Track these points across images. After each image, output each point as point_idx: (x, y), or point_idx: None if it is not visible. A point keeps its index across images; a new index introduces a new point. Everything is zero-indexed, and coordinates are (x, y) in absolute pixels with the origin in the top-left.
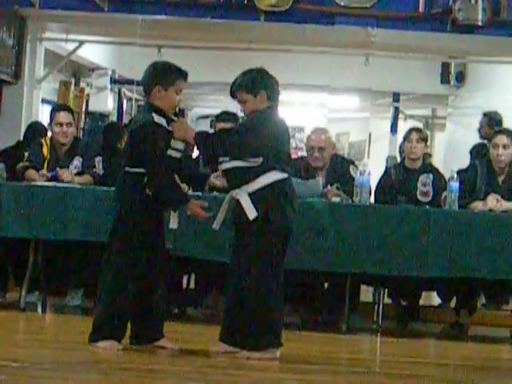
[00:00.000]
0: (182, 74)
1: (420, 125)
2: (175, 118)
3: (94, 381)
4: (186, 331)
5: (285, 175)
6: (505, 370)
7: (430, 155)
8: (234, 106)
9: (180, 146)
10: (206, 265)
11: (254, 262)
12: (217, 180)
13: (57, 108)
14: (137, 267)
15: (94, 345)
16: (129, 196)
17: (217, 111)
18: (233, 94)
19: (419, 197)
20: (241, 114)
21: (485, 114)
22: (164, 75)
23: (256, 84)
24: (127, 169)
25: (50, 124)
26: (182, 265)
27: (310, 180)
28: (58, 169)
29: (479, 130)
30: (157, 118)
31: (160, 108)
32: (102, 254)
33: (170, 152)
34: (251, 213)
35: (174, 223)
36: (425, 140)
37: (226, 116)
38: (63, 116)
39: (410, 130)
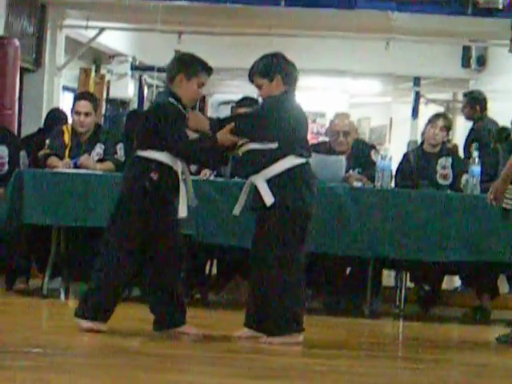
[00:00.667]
0: (207, 69)
1: (441, 109)
2: (190, 111)
3: (116, 366)
4: (208, 317)
5: (302, 160)
6: None
7: (449, 141)
8: (255, 92)
9: (193, 136)
10: (228, 251)
11: (271, 248)
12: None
13: (78, 96)
14: (133, 253)
15: (77, 320)
16: (135, 180)
17: (238, 97)
18: (250, 79)
19: (439, 180)
20: (260, 99)
21: (465, 94)
22: (189, 65)
23: (271, 69)
24: (138, 152)
25: (71, 111)
26: (204, 251)
27: (333, 156)
28: (80, 157)
29: (462, 111)
30: (173, 102)
31: (179, 96)
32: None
33: None
34: (268, 199)
35: (182, 212)
36: (448, 129)
37: (246, 101)
38: (82, 105)
39: (437, 116)
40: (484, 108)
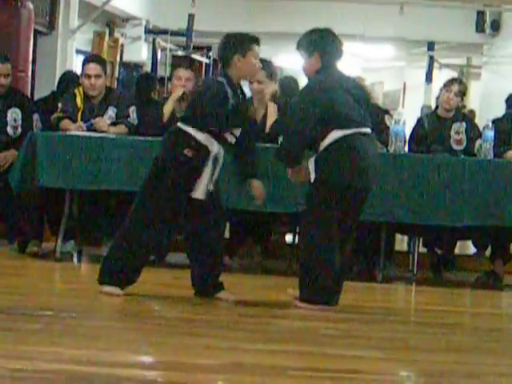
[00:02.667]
0: (256, 40)
1: (455, 74)
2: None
3: (130, 330)
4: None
5: (346, 131)
6: None
7: (464, 106)
8: (267, 55)
9: (237, 132)
10: (241, 215)
11: (306, 219)
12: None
13: (86, 59)
14: (163, 220)
15: (101, 287)
16: (172, 150)
17: None
18: (297, 49)
19: (453, 145)
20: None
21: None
22: (240, 43)
23: (311, 45)
24: (180, 124)
25: (81, 75)
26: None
27: None
28: (92, 120)
29: None
30: (224, 83)
31: (236, 76)
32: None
33: (226, 134)
34: (311, 176)
35: (199, 193)
36: (463, 94)
37: (263, 63)
38: (92, 68)
39: (452, 81)
40: None
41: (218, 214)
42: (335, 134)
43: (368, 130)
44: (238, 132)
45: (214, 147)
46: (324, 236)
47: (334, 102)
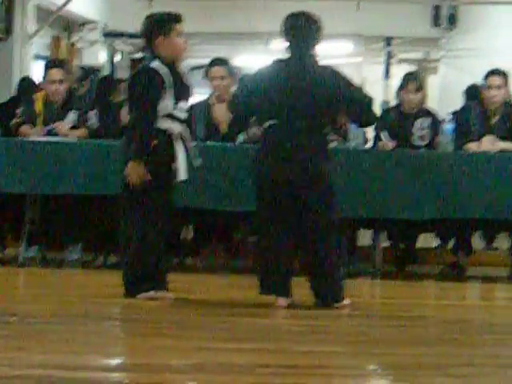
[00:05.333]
0: (177, 18)
1: (413, 68)
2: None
3: (96, 332)
4: (186, 281)
5: (270, 122)
6: (501, 308)
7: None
8: (227, 56)
9: (184, 105)
10: (204, 215)
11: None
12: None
13: (49, 65)
14: (162, 212)
15: (139, 297)
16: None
17: (208, 61)
18: None
19: (417, 141)
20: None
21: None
22: (161, 24)
23: (283, 32)
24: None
25: (43, 80)
26: (180, 215)
27: None
28: (52, 125)
29: None
30: (156, 65)
31: (165, 56)
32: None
33: (174, 111)
34: None
35: (182, 175)
36: (421, 88)
37: (218, 61)
38: (54, 73)
39: (406, 81)
40: None
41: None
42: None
43: (302, 123)
44: (186, 106)
45: (175, 127)
46: (267, 229)
47: (265, 92)
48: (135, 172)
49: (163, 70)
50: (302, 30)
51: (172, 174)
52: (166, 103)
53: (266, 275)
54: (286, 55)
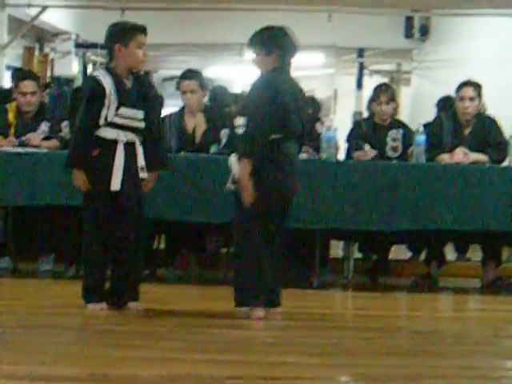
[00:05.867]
0: (140, 29)
1: (385, 80)
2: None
3: (65, 343)
4: (158, 291)
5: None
6: (473, 319)
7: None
8: (199, 66)
9: (132, 113)
10: (175, 225)
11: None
12: None
13: (20, 76)
14: (97, 228)
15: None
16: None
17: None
18: (249, 46)
19: (389, 152)
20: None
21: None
22: (122, 33)
23: (271, 42)
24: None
25: (14, 90)
26: (151, 226)
27: None
28: (23, 137)
29: None
30: (100, 74)
31: (121, 65)
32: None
33: (114, 118)
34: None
35: (114, 185)
36: (393, 99)
37: (190, 73)
38: (27, 85)
39: (378, 92)
40: None
41: (133, 220)
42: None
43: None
44: (133, 113)
45: (121, 136)
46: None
47: (284, 105)
48: (75, 180)
49: (106, 77)
50: (284, 42)
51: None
52: (107, 111)
53: (255, 287)
54: (273, 65)
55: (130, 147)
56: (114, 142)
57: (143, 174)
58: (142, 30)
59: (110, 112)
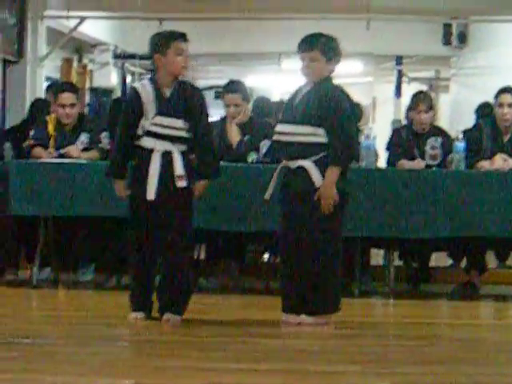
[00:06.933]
0: (177, 36)
1: (424, 87)
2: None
3: (106, 353)
4: (198, 301)
5: None
6: None
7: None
8: (237, 76)
9: (168, 122)
10: (216, 235)
11: (317, 230)
12: None
13: (60, 88)
14: (138, 238)
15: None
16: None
17: (220, 82)
18: (308, 48)
19: (428, 160)
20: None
21: None
22: (159, 42)
23: (334, 51)
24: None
25: (54, 102)
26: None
27: None
28: (62, 150)
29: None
30: (141, 85)
31: (163, 74)
32: None
33: (150, 127)
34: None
35: (149, 194)
36: (432, 108)
37: (233, 86)
38: (66, 97)
39: (417, 101)
40: None
41: (171, 229)
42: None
43: None
44: (169, 122)
45: (158, 145)
46: (335, 245)
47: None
48: (116, 190)
49: (147, 88)
50: (340, 52)
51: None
52: (145, 120)
53: (338, 295)
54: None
55: (167, 156)
56: (151, 152)
57: (181, 183)
58: (180, 36)
59: (147, 121)
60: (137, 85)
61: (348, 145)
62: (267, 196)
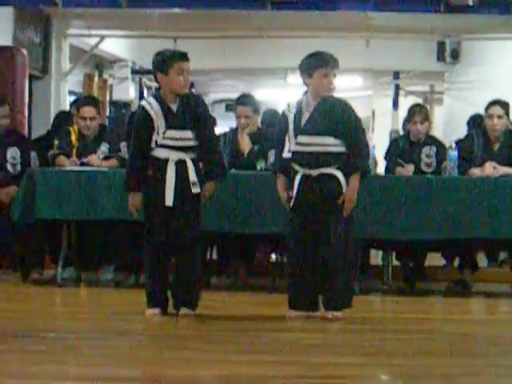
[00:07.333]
0: (179, 56)
1: (419, 100)
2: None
3: (125, 347)
4: (210, 298)
5: None
6: (504, 322)
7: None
8: (246, 89)
9: (179, 134)
10: (226, 236)
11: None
12: None
13: (81, 102)
14: (149, 243)
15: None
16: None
17: (231, 95)
18: (333, 66)
19: (423, 167)
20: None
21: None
22: (161, 62)
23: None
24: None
25: (76, 114)
26: (204, 238)
27: None
28: (84, 159)
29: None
30: (147, 103)
31: (161, 94)
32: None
33: (163, 140)
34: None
35: (168, 200)
36: (427, 119)
37: (244, 99)
38: (87, 111)
39: (413, 113)
40: None
41: (187, 231)
42: None
43: None
44: (180, 134)
45: (172, 155)
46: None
47: None
48: (130, 202)
49: (153, 105)
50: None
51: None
52: (157, 135)
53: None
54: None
55: (181, 165)
56: (166, 161)
57: (195, 189)
58: (182, 56)
59: (159, 135)
60: (144, 103)
61: (366, 153)
62: (291, 204)
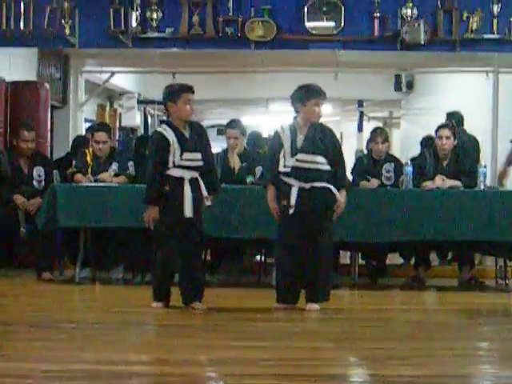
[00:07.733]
0: (186, 88)
1: (380, 124)
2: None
3: (135, 335)
4: (205, 294)
5: None
6: (453, 311)
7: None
8: (233, 116)
9: (192, 156)
10: (219, 240)
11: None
12: None
13: (95, 128)
14: (164, 247)
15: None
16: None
17: (221, 121)
18: (324, 98)
19: (384, 181)
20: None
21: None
22: (171, 93)
23: None
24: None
25: (91, 138)
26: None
27: None
28: (97, 176)
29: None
30: (163, 129)
31: (171, 121)
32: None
33: (180, 161)
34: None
35: (187, 212)
36: (387, 140)
37: (233, 123)
38: (100, 136)
39: (375, 135)
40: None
41: (196, 237)
42: None
43: None
44: (193, 156)
45: (186, 174)
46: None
47: None
48: (147, 214)
49: (168, 131)
50: None
51: (181, 211)
52: (173, 157)
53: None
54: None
55: (194, 182)
56: (181, 179)
57: (208, 202)
58: (188, 89)
59: (176, 157)
60: (160, 129)
61: (345, 172)
62: (291, 212)
